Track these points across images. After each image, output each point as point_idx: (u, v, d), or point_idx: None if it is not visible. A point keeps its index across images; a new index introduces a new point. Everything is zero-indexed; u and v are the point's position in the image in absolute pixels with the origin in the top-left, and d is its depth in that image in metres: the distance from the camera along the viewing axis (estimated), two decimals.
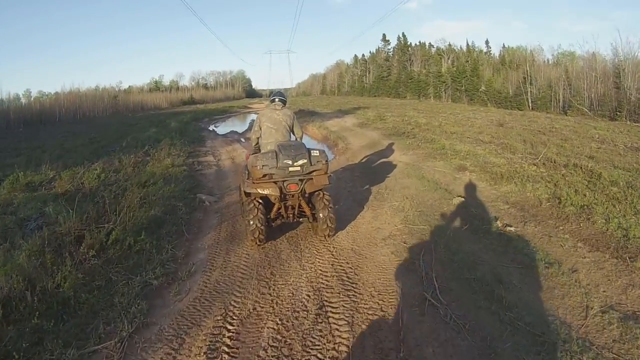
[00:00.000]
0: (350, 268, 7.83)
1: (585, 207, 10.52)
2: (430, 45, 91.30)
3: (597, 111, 44.73)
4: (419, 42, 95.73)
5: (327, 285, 7.22)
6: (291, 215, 9.12)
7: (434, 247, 8.44)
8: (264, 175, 8.27)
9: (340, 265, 7.95)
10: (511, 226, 9.59)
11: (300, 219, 9.38)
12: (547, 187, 12.30)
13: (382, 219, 10.48)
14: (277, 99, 9.97)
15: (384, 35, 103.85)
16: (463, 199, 11.69)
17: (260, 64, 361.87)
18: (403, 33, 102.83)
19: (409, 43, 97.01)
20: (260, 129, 9.78)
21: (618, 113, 41.81)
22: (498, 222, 9.79)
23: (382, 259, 8.19)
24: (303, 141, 9.81)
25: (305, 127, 31.97)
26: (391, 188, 13.25)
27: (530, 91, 58.23)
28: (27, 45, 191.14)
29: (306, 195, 8.69)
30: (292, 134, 10.00)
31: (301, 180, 8.43)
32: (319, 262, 8.19)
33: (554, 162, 15.73)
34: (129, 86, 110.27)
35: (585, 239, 8.87)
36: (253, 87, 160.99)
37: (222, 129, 40.27)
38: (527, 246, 8.53)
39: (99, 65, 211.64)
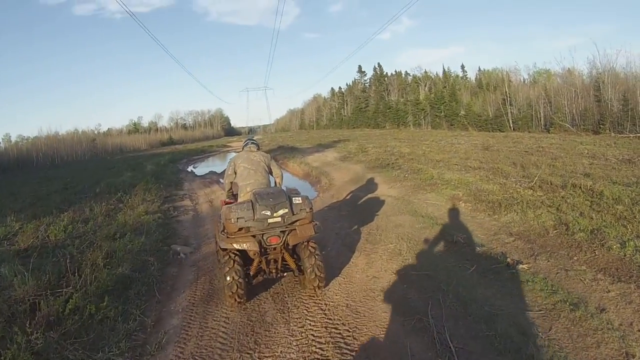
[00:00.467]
0: (348, 330, 6.64)
1: (596, 231, 9.55)
2: (407, 73, 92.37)
3: (580, 126, 44.52)
4: (395, 71, 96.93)
5: (322, 356, 6.02)
6: (274, 270, 7.96)
7: (442, 297, 7.30)
8: (240, 229, 7.22)
9: (336, 328, 6.75)
10: (522, 262, 8.50)
11: (285, 274, 8.21)
12: (550, 213, 11.34)
13: (377, 266, 9.31)
14: (249, 143, 9.22)
15: (359, 66, 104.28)
16: (464, 235, 10.51)
17: (238, 102, 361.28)
18: (379, 63, 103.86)
19: (385, 73, 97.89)
20: (235, 172, 8.68)
21: (601, 126, 41.65)
22: (508, 259, 8.68)
23: (383, 316, 6.99)
24: (284, 179, 9.42)
25: (285, 163, 31.51)
26: (383, 228, 12.11)
27: (511, 112, 57.89)
28: (5, 88, 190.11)
29: (289, 247, 7.74)
30: (270, 176, 8.94)
31: (283, 231, 7.43)
32: (310, 324, 6.99)
33: (550, 183, 14.84)
34: (108, 129, 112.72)
35: (604, 268, 7.90)
36: (232, 125, 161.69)
37: (200, 169, 39.18)
38: (544, 285, 7.44)
39: (77, 108, 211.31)
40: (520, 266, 8.33)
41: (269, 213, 7.17)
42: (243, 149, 9.13)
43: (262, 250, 7.50)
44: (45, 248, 11.41)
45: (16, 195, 23.49)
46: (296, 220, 7.44)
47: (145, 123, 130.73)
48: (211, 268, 10.17)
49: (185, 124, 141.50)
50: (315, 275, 7.55)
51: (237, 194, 8.76)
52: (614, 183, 13.89)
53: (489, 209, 12.75)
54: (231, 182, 8.93)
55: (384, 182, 19.22)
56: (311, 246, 7.69)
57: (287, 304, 7.82)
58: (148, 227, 13.57)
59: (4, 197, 23.07)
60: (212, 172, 32.92)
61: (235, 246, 7.21)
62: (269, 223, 7.22)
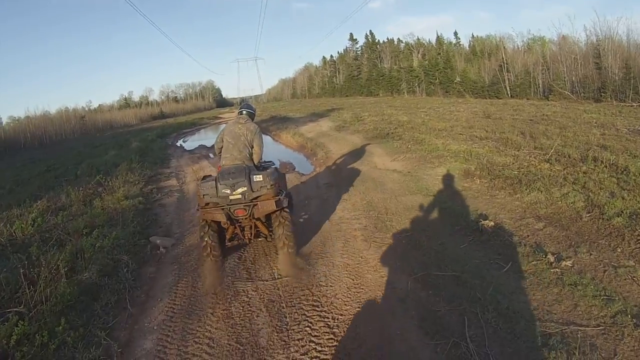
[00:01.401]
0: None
1: (634, 215, 8.26)
2: (399, 40, 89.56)
3: (580, 94, 42.68)
4: (387, 38, 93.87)
5: None
6: (248, 235, 8.57)
7: (479, 310, 5.81)
8: (207, 204, 7.95)
9: (348, 355, 5.30)
10: (563, 258, 7.08)
11: (259, 239, 8.86)
12: (577, 192, 10.10)
13: (392, 263, 7.72)
14: (244, 112, 9.18)
15: (351, 34, 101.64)
16: (489, 221, 8.96)
17: (229, 72, 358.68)
18: (370, 31, 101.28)
19: (377, 40, 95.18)
20: (221, 142, 8.82)
21: (602, 94, 39.82)
22: (548, 255, 7.17)
23: (408, 338, 5.49)
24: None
25: (278, 135, 30.24)
26: (393, 211, 10.60)
27: (508, 79, 56.07)
28: None
29: (259, 220, 8.26)
30: (251, 149, 8.69)
31: (246, 206, 7.88)
32: (314, 348, 5.56)
33: (568, 156, 13.71)
34: (99, 105, 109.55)
35: None
36: (223, 96, 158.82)
37: (190, 143, 37.36)
38: (596, 290, 6.05)
39: (67, 86, 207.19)
40: (565, 263, 6.89)
41: (228, 191, 7.76)
42: (238, 115, 9.16)
43: (233, 220, 8.01)
44: (11, 247, 9.88)
45: None
46: (258, 196, 7.85)
47: (136, 98, 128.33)
48: (195, 266, 8.68)
49: (176, 97, 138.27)
50: (284, 243, 7.93)
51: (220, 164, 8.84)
52: (635, 157, 12.71)
53: (508, 186, 11.42)
54: (220, 149, 8.91)
55: (385, 154, 17.88)
56: (282, 216, 8.08)
57: (286, 317, 6.38)
58: (125, 215, 11.99)
59: None
60: (201, 146, 31.30)
61: (207, 217, 7.89)
62: (230, 200, 7.78)
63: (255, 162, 8.65)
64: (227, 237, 8.54)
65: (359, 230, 9.60)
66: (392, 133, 23.12)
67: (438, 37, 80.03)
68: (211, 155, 24.81)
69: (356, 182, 13.84)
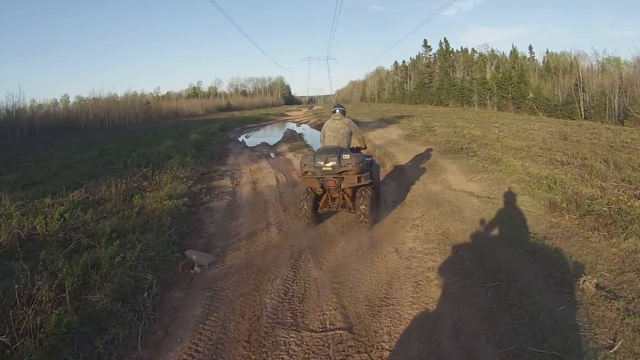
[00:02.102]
0: None
1: None
2: (474, 51, 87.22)
3: None
4: (461, 47, 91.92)
5: None
6: (335, 205, 10.59)
7: None
8: (306, 172, 10.19)
9: None
10: None
11: (344, 209, 10.66)
12: None
13: (474, 327, 5.87)
14: (337, 110, 11.41)
15: (425, 40, 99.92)
16: (589, 278, 6.96)
17: (299, 70, 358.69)
18: (445, 38, 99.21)
19: (451, 49, 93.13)
20: (325, 137, 11.21)
21: None
22: None
23: None
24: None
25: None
26: (474, 248, 8.68)
27: (583, 99, 53.39)
28: (66, 50, 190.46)
29: (343, 189, 10.19)
30: (349, 137, 11.18)
31: (336, 178, 9.84)
32: None
33: None
34: (167, 92, 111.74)
35: None
36: (292, 93, 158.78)
37: (252, 139, 36.27)
38: None
39: (139, 72, 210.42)
40: None
41: (322, 163, 9.86)
42: (332, 114, 11.42)
43: (325, 189, 10.24)
44: (22, 247, 8.43)
45: (47, 161, 21.56)
46: (344, 171, 9.81)
47: (205, 88, 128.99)
48: (232, 296, 7.09)
49: (245, 90, 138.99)
50: (362, 217, 10.01)
51: None
52: None
53: (601, 226, 9.51)
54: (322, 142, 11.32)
55: (460, 172, 16.20)
56: (364, 192, 10.01)
57: None
58: (163, 219, 10.52)
59: (35, 162, 21.35)
60: (264, 144, 30.15)
61: (306, 183, 10.26)
62: (323, 170, 9.86)
63: (360, 145, 11.90)
64: (320, 204, 10.68)
65: (433, 271, 7.76)
66: (466, 148, 21.46)
67: (513, 49, 77.59)
68: (272, 154, 23.81)
69: (429, 205, 12.10)
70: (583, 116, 52.26)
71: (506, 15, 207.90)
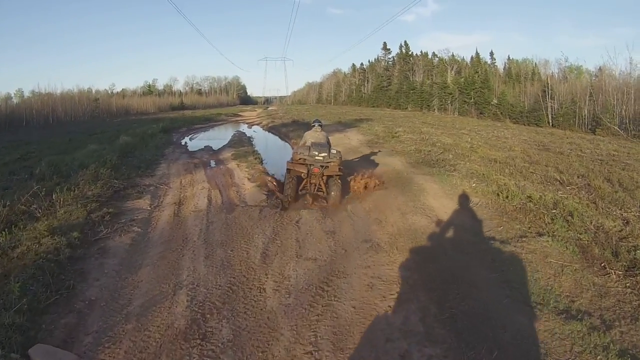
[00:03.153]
0: None
1: None
2: (434, 55, 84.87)
3: (629, 131, 38.18)
4: (421, 51, 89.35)
5: None
6: (314, 188, 12.92)
7: None
8: (299, 159, 12.80)
9: None
10: None
11: (319, 193, 12.95)
12: None
13: None
14: (316, 125, 14.14)
15: (384, 43, 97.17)
16: None
17: (255, 70, 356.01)
18: (405, 41, 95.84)
19: (411, 52, 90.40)
20: (306, 143, 13.44)
21: None
22: None
23: None
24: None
25: (298, 144, 24.29)
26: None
27: (551, 106, 51.23)
28: (29, 48, 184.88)
29: (324, 177, 12.77)
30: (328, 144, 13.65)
31: (322, 166, 12.56)
32: None
33: None
34: (122, 89, 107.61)
35: None
36: (248, 94, 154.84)
37: (196, 142, 32.05)
38: None
39: (95, 69, 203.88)
40: None
41: (316, 153, 12.65)
42: (311, 127, 14.27)
43: (309, 174, 12.71)
44: None
45: None
46: (330, 162, 12.65)
47: (160, 86, 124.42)
48: None
49: (200, 89, 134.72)
50: (333, 198, 12.62)
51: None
52: None
53: None
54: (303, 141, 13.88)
55: (443, 194, 12.88)
56: (336, 180, 12.82)
57: None
58: (23, 274, 6.85)
59: None
60: (207, 149, 25.88)
61: (296, 168, 12.81)
62: (316, 159, 12.59)
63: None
64: (301, 187, 13.13)
65: None
66: (441, 160, 18.32)
67: (477, 54, 75.47)
68: (212, 162, 20.17)
69: (417, 254, 8.45)
70: (551, 124, 50.42)
71: (465, 22, 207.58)
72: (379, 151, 22.02)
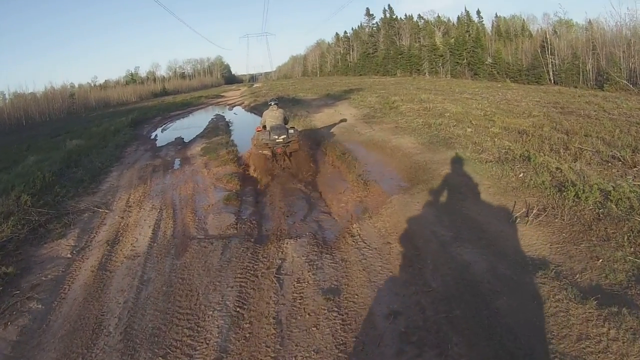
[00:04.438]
0: None
1: None
2: (420, 17, 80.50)
3: (638, 85, 34.78)
4: (406, 15, 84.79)
5: None
6: (280, 164, 13.84)
7: None
8: (264, 144, 13.40)
9: None
10: None
11: (284, 168, 13.79)
12: None
13: None
14: (272, 103, 14.57)
15: (367, 9, 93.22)
16: None
17: (238, 48, 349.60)
18: (389, 5, 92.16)
19: (395, 16, 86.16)
20: (266, 121, 14.13)
21: None
22: None
23: None
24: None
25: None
26: None
27: (552, 62, 47.20)
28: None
29: (289, 154, 13.64)
30: (284, 121, 14.35)
31: (284, 146, 13.32)
32: None
33: None
34: (105, 81, 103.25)
35: None
36: (233, 73, 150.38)
37: (168, 134, 27.05)
38: None
39: (73, 62, 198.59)
40: None
41: (276, 137, 13.20)
42: (268, 107, 14.57)
43: (274, 154, 13.54)
44: None
45: None
46: (290, 141, 13.32)
47: (143, 73, 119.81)
48: None
49: (184, 72, 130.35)
50: (297, 168, 13.49)
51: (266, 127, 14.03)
52: None
53: None
54: (264, 125, 14.17)
55: (492, 198, 8.86)
56: (298, 154, 13.66)
57: None
58: None
59: None
60: (177, 141, 21.60)
61: (260, 152, 13.52)
62: (276, 142, 13.21)
63: (289, 124, 14.90)
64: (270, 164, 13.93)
65: None
66: (460, 137, 14.49)
67: (467, 12, 71.19)
68: (177, 161, 16.45)
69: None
70: (552, 81, 46.79)
71: None
72: (378, 127, 18.35)
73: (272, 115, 14.23)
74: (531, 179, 9.31)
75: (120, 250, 8.40)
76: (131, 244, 8.59)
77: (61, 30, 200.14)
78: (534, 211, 7.77)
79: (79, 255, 8.37)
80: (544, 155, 11.04)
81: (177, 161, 16.46)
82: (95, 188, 13.25)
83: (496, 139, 13.52)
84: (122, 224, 9.74)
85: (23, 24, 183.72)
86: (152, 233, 9.02)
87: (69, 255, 8.40)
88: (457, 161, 11.39)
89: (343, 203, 9.97)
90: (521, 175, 9.71)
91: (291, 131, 13.53)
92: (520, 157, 11.24)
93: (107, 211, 10.81)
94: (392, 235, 7.69)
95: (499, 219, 7.85)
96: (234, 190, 11.53)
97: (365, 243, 7.58)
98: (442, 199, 8.81)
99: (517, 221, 7.58)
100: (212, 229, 8.96)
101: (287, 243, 7.86)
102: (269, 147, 13.39)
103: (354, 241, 7.68)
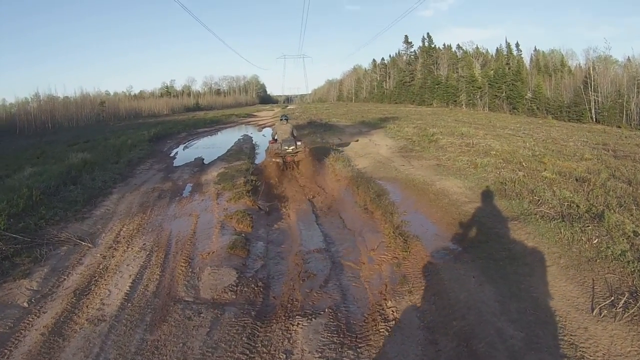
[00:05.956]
0: None
1: None
2: (459, 47, 78.46)
3: None
4: (444, 44, 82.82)
5: None
6: (289, 169, 16.28)
7: None
8: (276, 154, 16.13)
9: None
10: None
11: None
12: None
13: None
14: (283, 119, 17.61)
15: (405, 37, 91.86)
16: None
17: (274, 68, 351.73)
18: (428, 34, 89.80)
19: (434, 45, 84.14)
20: (277, 133, 16.83)
21: None
22: None
23: None
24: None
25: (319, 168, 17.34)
26: None
27: (594, 100, 44.75)
28: (43, 51, 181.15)
29: (297, 161, 16.28)
30: (292, 134, 16.95)
31: (292, 155, 16.05)
32: None
33: None
34: (140, 91, 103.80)
35: None
36: (268, 92, 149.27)
37: (189, 152, 25.04)
38: None
39: (112, 72, 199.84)
40: None
41: (286, 148, 15.93)
42: (280, 121, 17.51)
43: (284, 162, 16.17)
44: None
45: None
46: (298, 151, 16.05)
47: (178, 87, 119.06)
48: None
49: (219, 89, 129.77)
50: (302, 171, 16.11)
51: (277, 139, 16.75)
52: None
53: None
54: (274, 136, 16.97)
55: (568, 267, 6.93)
56: (304, 161, 16.23)
57: None
58: None
59: None
60: (196, 162, 19.82)
61: (273, 160, 16.13)
62: (287, 152, 15.96)
63: (297, 137, 17.22)
64: (281, 167, 16.38)
65: None
66: (513, 182, 12.18)
67: (508, 45, 68.60)
68: (189, 187, 14.54)
69: None
70: (594, 119, 44.37)
71: (482, 14, 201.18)
72: (417, 163, 16.47)
73: (282, 129, 17.11)
74: (608, 247, 7.30)
75: (86, 306, 6.54)
76: (101, 300, 6.72)
77: (104, 43, 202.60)
78: (622, 299, 5.73)
79: (37, 307, 6.60)
80: (615, 213, 8.98)
81: (188, 187, 14.74)
82: (87, 213, 11.47)
83: (554, 188, 11.39)
84: (100, 267, 7.91)
85: (69, 34, 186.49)
86: (130, 286, 7.12)
87: (25, 305, 6.65)
88: (515, 216, 9.26)
89: (376, 264, 7.80)
90: (596, 241, 7.63)
91: (299, 143, 16.45)
92: (587, 213, 9.15)
93: (89, 245, 9.00)
94: (440, 328, 5.59)
95: (578, 308, 5.81)
96: (243, 234, 9.26)
97: (403, 336, 5.51)
98: (503, 274, 6.70)
99: (602, 314, 5.57)
100: (205, 290, 6.95)
101: (297, 324, 5.86)
102: (281, 156, 16.26)
103: (387, 330, 5.64)
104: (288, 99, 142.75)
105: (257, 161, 20.24)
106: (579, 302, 5.89)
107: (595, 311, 5.60)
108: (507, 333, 5.26)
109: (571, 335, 5.23)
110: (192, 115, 64.90)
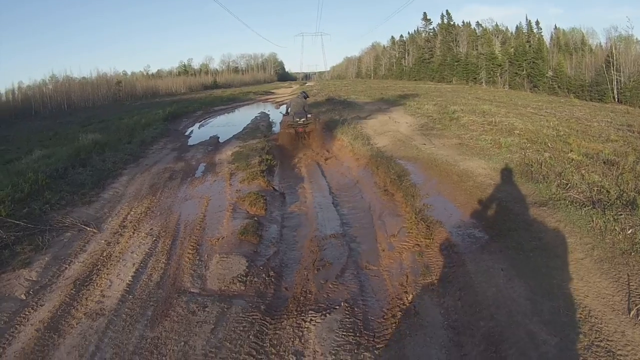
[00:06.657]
0: None
1: None
2: (478, 24, 77.20)
3: None
4: (463, 22, 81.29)
5: None
6: (301, 138, 17.67)
7: None
8: (289, 125, 17.57)
9: None
10: None
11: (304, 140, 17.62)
12: None
13: None
14: (302, 95, 19.04)
15: (424, 14, 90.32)
16: None
17: (292, 46, 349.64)
18: (447, 11, 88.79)
19: (453, 22, 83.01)
20: (291, 108, 18.30)
21: None
22: None
23: None
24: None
25: (331, 141, 18.12)
26: None
27: (617, 79, 43.88)
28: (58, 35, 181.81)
29: (307, 132, 17.59)
30: (304, 109, 18.21)
31: (303, 126, 17.42)
32: None
33: None
34: (158, 70, 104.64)
35: None
36: (286, 70, 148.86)
37: (204, 130, 24.90)
38: None
39: (129, 52, 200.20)
40: None
41: (298, 119, 17.33)
42: (297, 96, 19.06)
43: (296, 133, 17.54)
44: None
45: None
46: (308, 123, 17.47)
47: (196, 65, 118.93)
48: None
49: (237, 67, 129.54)
50: (313, 142, 17.40)
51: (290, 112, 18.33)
52: None
53: None
54: (287, 109, 18.61)
55: (602, 260, 6.29)
56: (314, 132, 17.67)
57: None
58: None
59: None
60: (211, 140, 19.76)
61: (287, 131, 17.62)
62: (298, 123, 17.33)
63: (307, 111, 18.57)
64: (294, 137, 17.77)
65: None
66: (540, 163, 11.52)
67: (528, 22, 67.25)
68: (201, 167, 14.31)
69: None
70: (616, 99, 43.58)
71: None
72: (439, 142, 15.58)
73: (296, 102, 18.56)
74: None
75: (86, 298, 6.19)
76: (101, 291, 6.36)
77: (121, 23, 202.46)
78: None
79: (34, 299, 6.24)
80: None
81: (201, 167, 14.37)
82: (95, 196, 11.06)
83: (582, 171, 10.77)
84: (104, 255, 7.54)
85: (85, 15, 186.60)
86: (133, 276, 6.76)
87: (22, 297, 6.31)
88: (543, 201, 8.65)
89: (396, 251, 7.30)
90: (630, 231, 7.02)
91: (309, 115, 17.97)
92: (618, 200, 8.52)
93: (94, 231, 8.62)
94: (466, 329, 5.12)
95: (614, 309, 5.25)
96: (255, 218, 8.85)
97: (426, 336, 5.05)
98: (534, 267, 6.16)
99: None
100: (212, 280, 6.56)
101: (310, 321, 5.42)
102: (293, 127, 17.71)
103: (408, 329, 5.16)
104: (306, 76, 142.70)
105: (271, 141, 19.63)
106: (615, 302, 5.37)
107: (632, 312, 5.07)
108: (540, 337, 4.76)
109: (608, 340, 4.72)
110: (209, 93, 64.60)
